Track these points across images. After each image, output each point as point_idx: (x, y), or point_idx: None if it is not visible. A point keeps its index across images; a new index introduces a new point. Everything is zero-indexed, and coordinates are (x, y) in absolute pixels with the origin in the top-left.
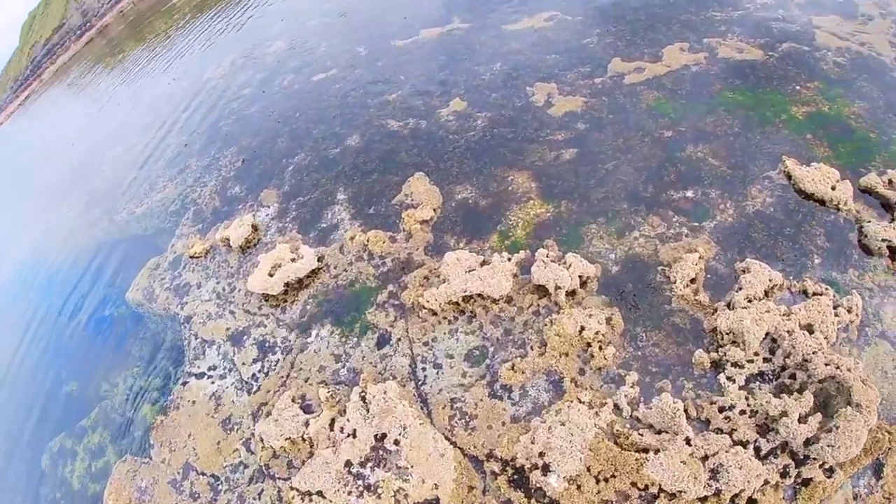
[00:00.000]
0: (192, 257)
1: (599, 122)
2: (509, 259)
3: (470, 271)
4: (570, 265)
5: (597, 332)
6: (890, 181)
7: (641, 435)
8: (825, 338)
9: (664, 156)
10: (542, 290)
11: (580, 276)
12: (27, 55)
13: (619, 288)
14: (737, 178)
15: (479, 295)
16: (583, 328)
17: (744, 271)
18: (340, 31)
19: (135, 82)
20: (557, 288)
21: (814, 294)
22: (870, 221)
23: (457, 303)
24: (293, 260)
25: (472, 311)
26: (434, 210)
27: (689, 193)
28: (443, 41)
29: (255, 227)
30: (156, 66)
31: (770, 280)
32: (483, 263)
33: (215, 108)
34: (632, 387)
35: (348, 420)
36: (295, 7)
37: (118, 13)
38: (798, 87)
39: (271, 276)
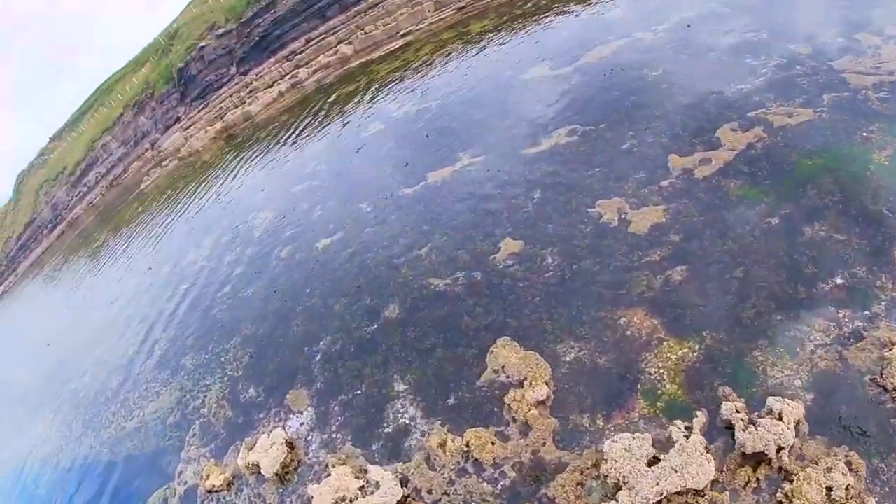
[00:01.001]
0: (209, 492)
1: (694, 229)
2: (688, 429)
3: (653, 462)
4: (779, 413)
5: (847, 487)
6: None
7: None
8: None
9: (786, 246)
10: (752, 459)
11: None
12: (0, 251)
13: (833, 420)
14: (876, 245)
15: (677, 493)
16: (829, 489)
17: None
18: (335, 192)
19: (110, 273)
20: (780, 449)
21: None
22: None
23: None
24: (362, 489)
25: None
26: (546, 384)
27: (839, 280)
28: (458, 180)
29: (290, 445)
30: (131, 255)
31: None
32: (654, 444)
33: (204, 294)
34: None
35: None
36: (275, 176)
37: (88, 205)
38: (865, 135)
39: None
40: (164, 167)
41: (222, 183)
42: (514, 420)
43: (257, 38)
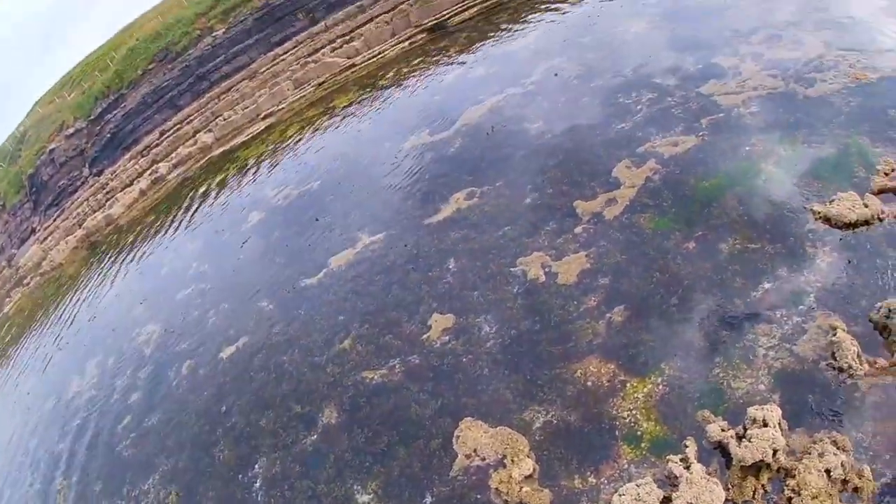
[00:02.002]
0: None
1: (620, 268)
2: (684, 460)
3: (666, 503)
4: (763, 420)
5: (842, 464)
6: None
7: None
8: None
9: (710, 266)
10: (751, 469)
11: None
12: None
13: (805, 410)
14: (789, 246)
15: None
16: (828, 471)
17: (887, 316)
18: (227, 293)
19: None
20: (775, 452)
21: None
22: None
23: None
24: None
25: None
26: (528, 456)
27: (767, 285)
28: (364, 261)
29: None
30: (6, 393)
31: None
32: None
33: (101, 428)
34: None
35: None
36: (153, 284)
37: None
38: (748, 148)
39: None
40: (26, 286)
41: (94, 298)
42: (507, 503)
43: (109, 135)
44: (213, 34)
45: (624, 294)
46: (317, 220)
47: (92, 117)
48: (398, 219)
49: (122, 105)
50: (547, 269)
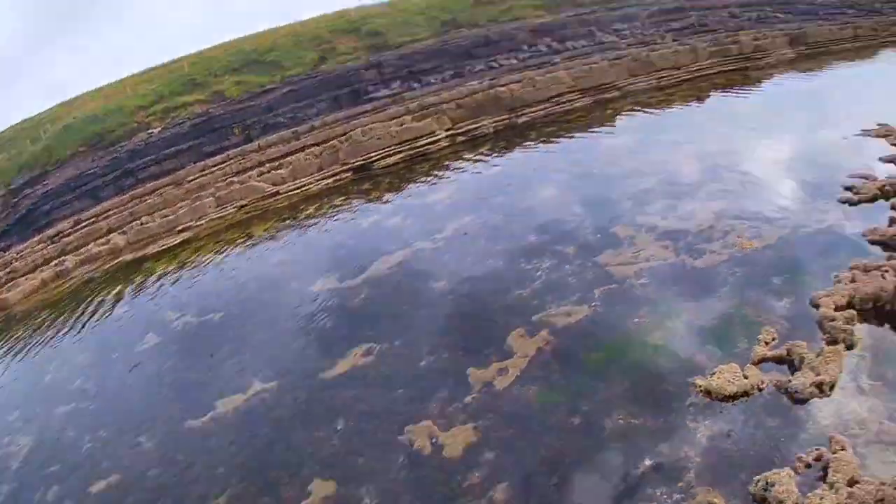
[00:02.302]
0: None
1: (505, 444)
2: None
3: None
4: None
5: None
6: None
7: None
8: None
9: (594, 443)
10: None
11: None
12: None
13: None
14: (670, 422)
15: None
16: None
17: (765, 489)
18: (108, 419)
19: None
20: None
21: None
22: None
23: None
24: None
25: None
26: None
27: (648, 462)
28: (252, 409)
29: None
30: None
31: None
32: None
33: None
34: None
35: None
36: (33, 391)
37: None
38: (637, 321)
39: None
40: None
41: None
42: None
43: (24, 211)
44: (150, 131)
45: (507, 471)
46: (212, 356)
47: (12, 186)
48: (294, 368)
49: (44, 182)
50: (434, 440)
